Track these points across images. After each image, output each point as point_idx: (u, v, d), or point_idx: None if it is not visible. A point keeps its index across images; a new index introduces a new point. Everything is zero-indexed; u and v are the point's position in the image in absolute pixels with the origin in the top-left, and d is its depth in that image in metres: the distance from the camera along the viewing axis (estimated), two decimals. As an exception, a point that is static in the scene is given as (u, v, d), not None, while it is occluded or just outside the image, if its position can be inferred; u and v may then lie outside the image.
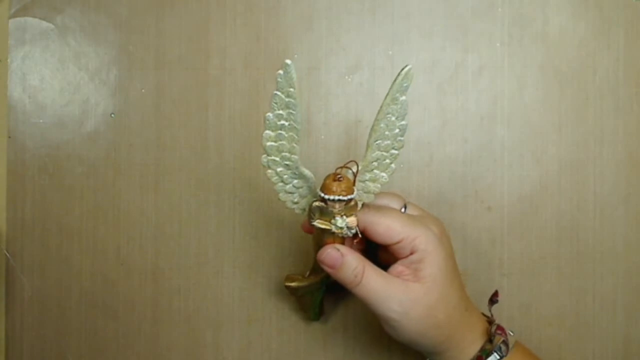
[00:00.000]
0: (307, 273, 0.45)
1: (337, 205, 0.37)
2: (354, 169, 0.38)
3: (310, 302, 0.46)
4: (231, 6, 0.49)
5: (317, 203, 0.37)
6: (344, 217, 0.37)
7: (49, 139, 0.49)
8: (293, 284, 0.44)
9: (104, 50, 0.49)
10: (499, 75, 0.49)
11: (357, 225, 0.38)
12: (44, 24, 0.49)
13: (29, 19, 0.49)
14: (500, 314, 0.44)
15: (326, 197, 0.37)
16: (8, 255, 0.49)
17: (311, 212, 0.38)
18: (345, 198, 0.37)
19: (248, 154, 0.49)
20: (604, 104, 0.49)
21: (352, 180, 0.38)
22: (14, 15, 0.49)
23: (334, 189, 0.37)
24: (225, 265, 0.49)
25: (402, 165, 0.49)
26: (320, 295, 0.46)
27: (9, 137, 0.49)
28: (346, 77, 0.49)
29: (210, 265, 0.49)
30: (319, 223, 0.38)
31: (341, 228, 0.37)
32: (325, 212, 0.37)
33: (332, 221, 0.37)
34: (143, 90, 0.49)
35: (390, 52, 0.49)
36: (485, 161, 0.49)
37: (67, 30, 0.50)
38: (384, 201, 0.41)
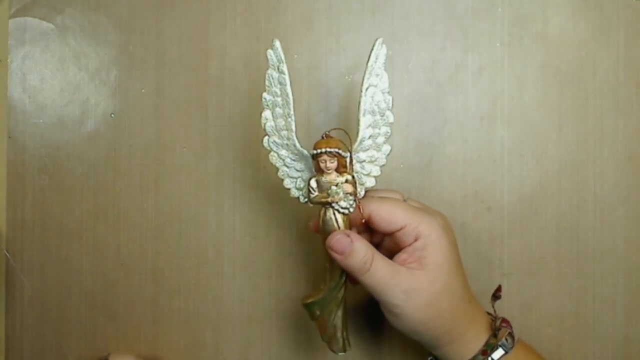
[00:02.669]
0: (322, 286, 0.43)
1: (328, 162, 0.38)
2: (348, 148, 0.39)
3: (329, 323, 0.42)
4: (231, 6, 0.49)
5: (313, 178, 0.39)
6: (339, 185, 0.39)
7: (49, 139, 0.49)
8: (310, 300, 0.42)
9: (104, 50, 0.49)
10: (499, 75, 0.49)
11: (356, 197, 0.39)
12: (44, 24, 0.49)
13: (29, 19, 0.49)
14: (500, 313, 0.44)
15: (314, 152, 0.38)
16: (8, 255, 0.49)
17: (309, 189, 0.39)
18: (332, 150, 0.38)
19: (248, 154, 0.49)
20: (604, 104, 0.49)
21: (346, 147, 0.39)
22: (14, 15, 0.49)
23: (322, 144, 0.38)
24: (225, 265, 0.49)
25: (402, 165, 0.49)
26: (340, 313, 0.42)
27: (9, 137, 0.49)
28: (346, 77, 0.49)
29: (210, 265, 0.49)
30: (317, 198, 0.39)
31: (337, 193, 0.38)
32: (321, 185, 0.39)
33: (329, 192, 0.39)
34: (143, 90, 0.49)
35: (391, 52, 0.49)
36: (485, 161, 0.49)
37: (67, 30, 0.50)
38: (383, 194, 0.42)
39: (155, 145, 0.49)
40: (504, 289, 0.45)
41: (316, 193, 0.39)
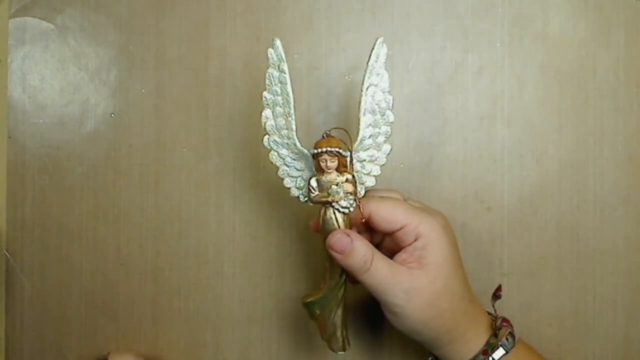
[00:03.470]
0: (322, 285, 0.43)
1: (328, 161, 0.38)
2: (349, 148, 0.39)
3: (329, 322, 0.42)
4: (231, 6, 0.49)
5: (313, 178, 0.39)
6: (340, 184, 0.39)
7: (49, 139, 0.49)
8: (310, 299, 0.42)
9: (104, 50, 0.49)
10: (499, 75, 0.49)
11: (356, 196, 0.39)
12: (44, 24, 0.49)
13: (29, 19, 0.49)
14: (500, 313, 0.44)
15: (314, 151, 0.38)
16: (8, 255, 0.49)
17: (310, 189, 0.39)
18: (333, 149, 0.38)
19: (248, 154, 0.49)
20: (604, 104, 0.49)
21: (346, 146, 0.39)
22: (14, 15, 0.49)
23: (322, 143, 0.38)
24: (225, 265, 0.49)
25: (402, 165, 0.49)
26: (340, 313, 0.42)
27: (9, 137, 0.49)
28: (346, 77, 0.49)
29: (210, 265, 0.49)
30: (317, 198, 0.39)
31: (337, 192, 0.38)
32: (322, 185, 0.39)
33: (329, 191, 0.39)
34: (143, 90, 0.49)
35: (391, 52, 0.49)
36: (485, 161, 0.49)
37: (67, 30, 0.50)
38: (384, 194, 0.42)
39: (155, 145, 0.49)
40: (504, 289, 0.45)
41: (316, 192, 0.39)
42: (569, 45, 0.49)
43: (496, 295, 0.44)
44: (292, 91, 0.39)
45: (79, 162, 0.49)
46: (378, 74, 0.39)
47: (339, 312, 0.42)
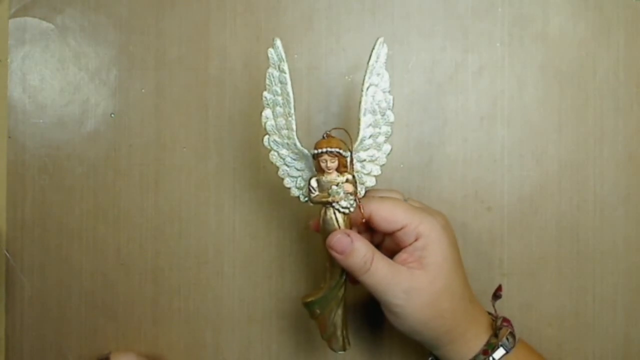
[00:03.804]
0: (322, 285, 0.43)
1: (329, 162, 0.38)
2: (349, 148, 0.39)
3: (329, 322, 0.42)
4: (231, 6, 0.49)
5: (314, 178, 0.39)
6: (340, 184, 0.39)
7: (49, 139, 0.49)
8: (310, 299, 0.42)
9: (104, 50, 0.49)
10: (499, 75, 0.49)
11: (356, 197, 0.39)
12: (44, 24, 0.49)
13: (29, 19, 0.49)
14: (500, 313, 0.44)
15: (315, 151, 0.38)
16: (8, 255, 0.49)
17: (310, 189, 0.39)
18: (333, 150, 0.38)
19: (248, 154, 0.49)
20: (604, 104, 0.49)
21: (347, 146, 0.39)
22: (14, 15, 0.49)
23: (323, 143, 0.38)
24: (225, 265, 0.49)
25: (402, 165, 0.49)
26: (340, 312, 0.42)
27: (9, 137, 0.49)
28: (346, 77, 0.49)
29: (210, 265, 0.49)
30: (317, 198, 0.39)
31: (338, 193, 0.38)
32: (322, 185, 0.39)
33: (330, 191, 0.39)
34: (143, 90, 0.49)
35: (391, 52, 0.49)
36: (485, 161, 0.49)
37: (67, 30, 0.50)
38: (384, 194, 0.42)
39: (155, 145, 0.49)
40: (504, 289, 0.45)
41: (317, 192, 0.39)
42: (569, 45, 0.49)
43: (496, 295, 0.44)
44: (292, 91, 0.39)
45: (79, 162, 0.49)
46: (378, 74, 0.39)
47: (339, 311, 0.42)
